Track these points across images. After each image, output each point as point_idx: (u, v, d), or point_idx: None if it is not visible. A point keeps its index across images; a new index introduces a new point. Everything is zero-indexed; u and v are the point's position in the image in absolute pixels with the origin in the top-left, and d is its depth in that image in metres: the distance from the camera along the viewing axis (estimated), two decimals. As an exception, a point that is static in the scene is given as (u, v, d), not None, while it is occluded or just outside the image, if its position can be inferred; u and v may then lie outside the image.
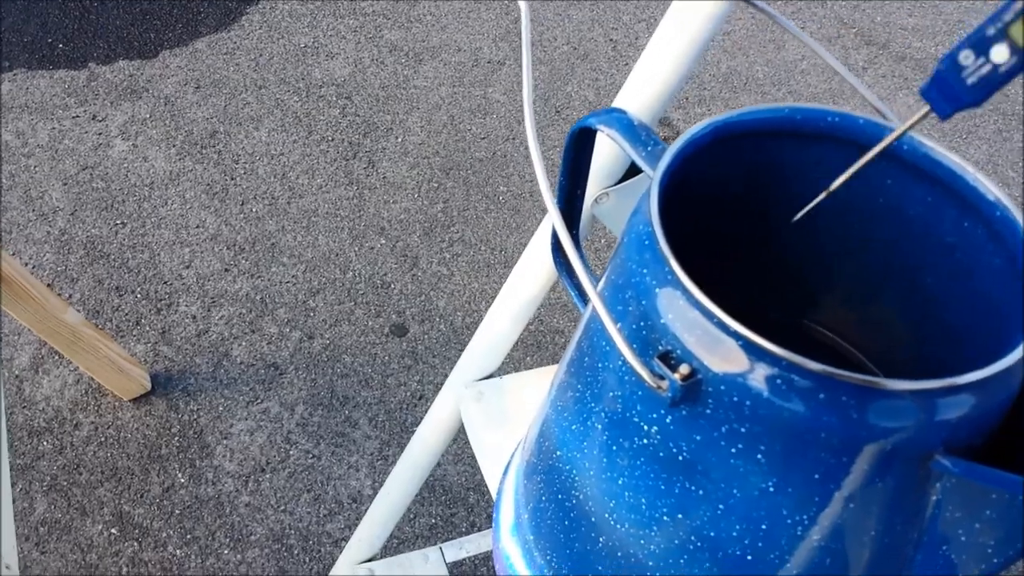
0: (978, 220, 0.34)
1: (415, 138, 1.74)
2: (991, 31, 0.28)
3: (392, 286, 1.49)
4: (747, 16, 2.06)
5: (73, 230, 1.54)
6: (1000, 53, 0.28)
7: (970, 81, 0.28)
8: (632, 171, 0.50)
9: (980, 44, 0.28)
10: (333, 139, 1.73)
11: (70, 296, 1.44)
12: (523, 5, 0.37)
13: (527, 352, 1.42)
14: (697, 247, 0.39)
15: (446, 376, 1.40)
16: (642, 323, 0.32)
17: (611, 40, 1.98)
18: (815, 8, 2.11)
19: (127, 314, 1.43)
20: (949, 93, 0.29)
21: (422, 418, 1.35)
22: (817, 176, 0.39)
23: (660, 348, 0.31)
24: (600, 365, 0.35)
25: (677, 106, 1.83)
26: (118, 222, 1.55)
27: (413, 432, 1.34)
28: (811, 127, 0.37)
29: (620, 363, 0.33)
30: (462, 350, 1.42)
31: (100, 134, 1.70)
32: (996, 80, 0.28)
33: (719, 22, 0.44)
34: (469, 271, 1.52)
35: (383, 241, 1.56)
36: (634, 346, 0.32)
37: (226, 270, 1.50)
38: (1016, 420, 0.33)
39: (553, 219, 0.35)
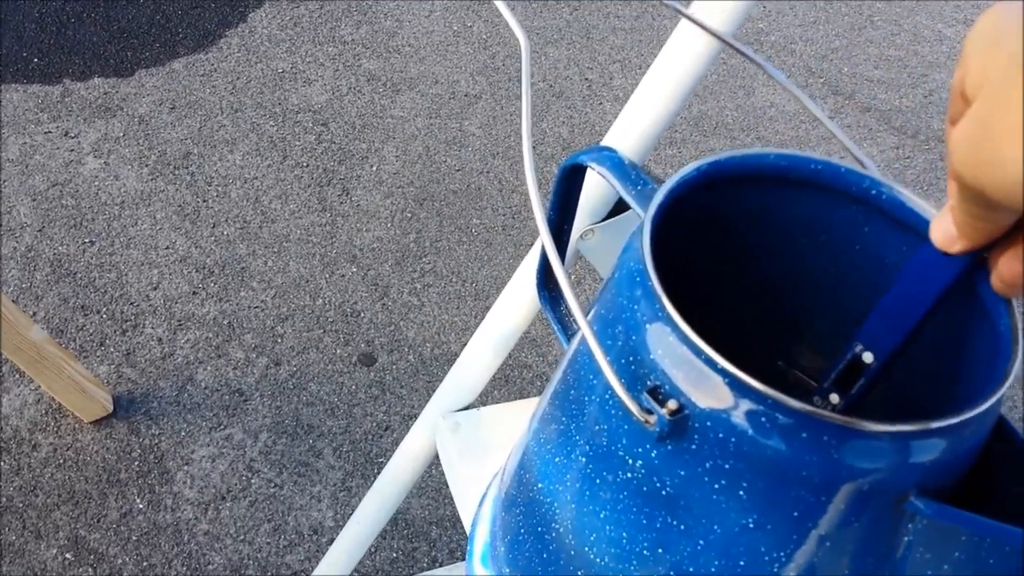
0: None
1: (390, 167, 1.75)
2: None
3: (362, 315, 1.49)
4: (718, 61, 2.10)
5: (40, 247, 1.51)
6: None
7: None
8: (618, 208, 0.51)
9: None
10: (308, 165, 1.73)
11: (34, 314, 1.42)
12: (523, 40, 0.38)
13: (495, 386, 1.42)
14: (680, 280, 0.40)
15: (413, 407, 1.39)
16: (631, 357, 0.32)
17: (586, 79, 2.01)
18: (784, 57, 2.17)
19: (91, 334, 1.41)
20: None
21: (388, 449, 1.34)
22: (797, 219, 0.40)
23: (648, 383, 0.32)
24: (586, 398, 0.36)
25: (650, 147, 1.85)
26: (86, 240, 1.54)
27: (378, 463, 1.33)
28: (795, 173, 0.38)
29: (607, 396, 0.34)
30: (430, 381, 1.42)
31: (72, 151, 1.68)
32: None
33: (707, 66, 0.45)
34: (439, 302, 1.53)
35: (354, 269, 1.56)
36: (622, 380, 0.32)
37: (194, 293, 1.48)
38: (984, 465, 0.34)
39: (547, 249, 0.36)
